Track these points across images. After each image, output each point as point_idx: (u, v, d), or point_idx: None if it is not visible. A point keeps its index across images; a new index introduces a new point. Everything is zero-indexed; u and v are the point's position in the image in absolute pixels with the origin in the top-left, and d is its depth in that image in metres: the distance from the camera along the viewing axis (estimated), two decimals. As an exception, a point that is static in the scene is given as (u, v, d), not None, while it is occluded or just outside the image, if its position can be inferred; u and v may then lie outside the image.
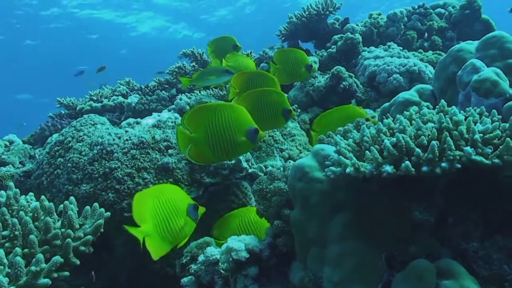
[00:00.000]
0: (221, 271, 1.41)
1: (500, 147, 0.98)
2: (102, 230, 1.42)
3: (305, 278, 1.18)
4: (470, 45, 1.39)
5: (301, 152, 2.48)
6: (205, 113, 1.44)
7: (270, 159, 2.31)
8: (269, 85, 2.18)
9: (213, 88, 3.71)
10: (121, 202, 1.76)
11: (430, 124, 1.06)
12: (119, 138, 1.93)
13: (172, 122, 2.05)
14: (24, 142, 3.99)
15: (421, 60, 3.14)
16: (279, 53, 2.57)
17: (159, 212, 1.28)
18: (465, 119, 1.04)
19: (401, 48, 3.24)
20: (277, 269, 1.39)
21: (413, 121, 1.10)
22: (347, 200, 1.14)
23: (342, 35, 3.46)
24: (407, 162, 0.96)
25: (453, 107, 1.18)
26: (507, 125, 1.04)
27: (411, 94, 1.49)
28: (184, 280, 1.46)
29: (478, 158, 0.95)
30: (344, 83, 2.85)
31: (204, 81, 2.81)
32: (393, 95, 2.42)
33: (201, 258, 1.44)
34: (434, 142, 0.96)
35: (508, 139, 0.97)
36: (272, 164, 2.20)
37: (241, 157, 1.92)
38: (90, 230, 1.37)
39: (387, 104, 1.58)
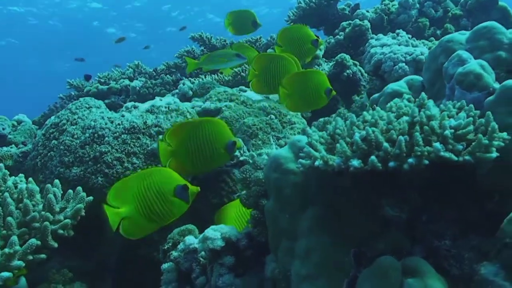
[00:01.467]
0: (200, 259, 1.42)
1: (473, 143, 0.94)
2: (83, 213, 1.43)
3: (276, 270, 1.17)
4: (461, 36, 1.33)
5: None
6: (186, 129, 1.55)
7: (266, 146, 2.29)
8: (291, 68, 2.13)
9: (219, 73, 3.69)
10: (109, 186, 1.77)
11: (404, 118, 1.02)
12: (112, 122, 1.94)
13: (165, 107, 2.04)
14: (35, 122, 4.05)
15: (430, 49, 3.05)
16: (282, 32, 2.52)
17: (142, 195, 1.31)
18: (441, 113, 1.00)
19: (410, 36, 3.16)
20: (255, 260, 1.38)
21: (384, 116, 1.07)
22: (318, 193, 1.12)
23: (351, 21, 3.39)
24: (373, 157, 0.93)
25: (430, 100, 1.14)
26: (483, 120, 1.00)
27: (400, 85, 1.45)
28: (164, 266, 1.47)
29: (447, 154, 0.91)
30: (348, 71, 2.80)
31: (213, 64, 2.79)
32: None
33: (181, 245, 1.44)
34: (401, 137, 0.92)
35: (480, 135, 0.93)
36: (268, 152, 2.19)
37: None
38: (69, 213, 1.38)
39: (376, 94, 1.54)
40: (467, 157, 0.93)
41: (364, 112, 1.12)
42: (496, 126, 0.94)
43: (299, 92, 2.02)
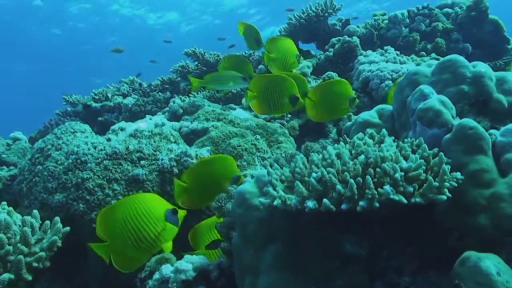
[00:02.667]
0: (174, 289, 1.44)
1: (424, 185, 0.96)
2: (59, 245, 1.46)
3: (242, 305, 1.19)
4: (427, 69, 1.35)
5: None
6: (198, 168, 1.69)
7: (251, 168, 2.31)
8: (289, 86, 2.12)
9: (211, 90, 3.72)
10: (90, 213, 1.80)
11: (360, 158, 1.04)
12: (95, 148, 1.97)
13: (149, 132, 2.07)
14: (31, 138, 4.10)
15: (418, 65, 3.06)
16: (272, 40, 2.56)
17: (129, 224, 1.27)
18: (395, 154, 1.02)
19: (398, 52, 3.18)
20: (227, 289, 1.40)
21: (344, 154, 1.09)
22: (280, 230, 1.14)
23: (341, 38, 3.41)
24: (325, 200, 0.95)
25: (389, 138, 1.16)
26: (437, 159, 1.01)
27: (370, 115, 1.47)
28: (140, 295, 1.49)
29: (397, 197, 0.93)
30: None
31: (219, 85, 2.77)
32: (386, 102, 2.38)
33: (156, 275, 1.46)
34: (351, 181, 0.94)
35: (430, 178, 0.95)
36: (252, 173, 2.21)
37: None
38: (45, 245, 1.41)
39: (349, 123, 1.55)
40: (418, 199, 0.95)
41: (324, 150, 1.14)
42: (447, 169, 0.96)
43: (324, 101, 2.10)
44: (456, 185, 0.98)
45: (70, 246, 1.80)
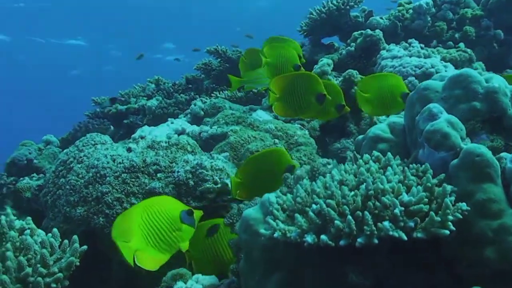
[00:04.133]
0: (186, 307, 1.46)
1: (426, 219, 0.93)
2: (77, 264, 1.51)
3: (248, 331, 1.20)
4: (438, 83, 1.29)
5: (305, 163, 2.44)
6: (252, 163, 1.69)
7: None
8: (313, 85, 2.02)
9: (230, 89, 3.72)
10: (109, 226, 1.84)
11: (362, 187, 1.02)
12: (114, 160, 2.01)
13: (166, 142, 2.09)
14: (63, 140, 4.23)
15: (444, 58, 2.95)
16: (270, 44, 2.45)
17: (148, 225, 1.31)
18: (397, 184, 0.99)
19: (423, 45, 3.06)
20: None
21: (347, 181, 1.06)
22: (284, 258, 1.13)
23: (363, 31, 3.32)
24: (323, 237, 0.94)
25: (395, 161, 1.13)
26: (440, 189, 0.98)
27: (382, 129, 1.42)
28: (156, 311, 1.52)
29: (396, 234, 0.91)
30: (356, 87, 2.75)
31: (259, 83, 2.73)
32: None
33: (170, 292, 1.49)
34: (349, 217, 0.93)
35: (432, 213, 0.92)
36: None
37: (227, 180, 1.94)
38: (64, 266, 1.46)
39: (360, 136, 1.52)
40: (419, 234, 0.92)
41: (327, 176, 1.12)
42: (450, 202, 0.93)
43: (376, 96, 2.01)
44: (461, 217, 0.94)
45: (94, 257, 1.87)
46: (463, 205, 0.95)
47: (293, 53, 2.17)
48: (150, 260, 1.30)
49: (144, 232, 1.30)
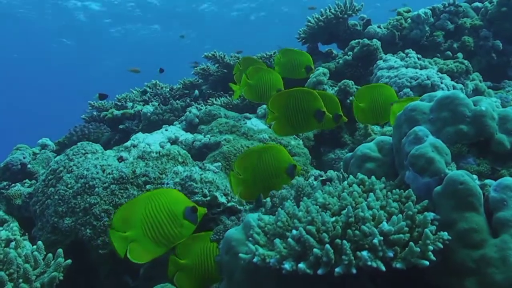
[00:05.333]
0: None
1: (406, 249, 0.91)
2: (61, 278, 1.49)
3: None
4: (426, 104, 1.28)
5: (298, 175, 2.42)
6: (250, 157, 1.61)
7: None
8: (313, 102, 2.00)
9: (227, 96, 3.71)
10: (96, 238, 1.83)
11: (343, 213, 1.00)
12: (103, 171, 2.00)
13: (156, 153, 2.08)
14: (59, 143, 4.21)
15: (440, 70, 2.93)
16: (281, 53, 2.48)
17: (150, 217, 1.31)
18: (378, 212, 0.97)
19: (420, 56, 3.04)
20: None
21: (330, 205, 1.05)
22: (266, 282, 1.11)
23: (360, 40, 3.30)
24: (301, 265, 0.92)
25: (376, 186, 1.11)
26: (422, 218, 0.96)
27: (370, 148, 1.41)
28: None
29: (375, 264, 0.89)
30: (351, 97, 2.74)
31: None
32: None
33: (153, 309, 1.47)
34: (327, 246, 0.91)
35: (411, 244, 0.90)
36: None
37: (217, 193, 1.92)
38: (46, 281, 1.45)
39: (349, 154, 1.50)
40: (398, 265, 0.91)
41: (310, 199, 1.10)
42: (430, 232, 0.91)
43: (370, 105, 2.06)
44: (442, 246, 0.93)
45: (81, 266, 1.85)
46: (445, 234, 0.94)
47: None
48: (142, 252, 1.31)
49: (144, 224, 1.31)
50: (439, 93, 1.32)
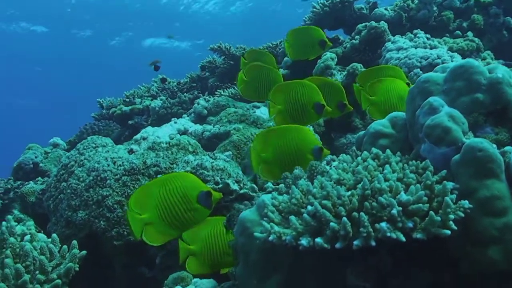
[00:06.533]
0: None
1: (426, 219, 0.89)
2: (77, 269, 1.49)
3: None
4: (439, 75, 1.24)
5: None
6: (272, 135, 1.56)
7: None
8: (313, 94, 1.98)
9: (234, 87, 3.68)
10: (111, 230, 1.83)
11: (359, 187, 0.97)
12: (114, 163, 1.99)
13: (166, 143, 2.07)
14: (70, 142, 4.24)
15: (451, 48, 2.87)
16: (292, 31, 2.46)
17: (164, 200, 1.33)
18: (395, 183, 0.95)
19: (429, 35, 2.99)
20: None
21: (344, 180, 1.02)
22: (283, 260, 1.10)
23: (367, 23, 3.25)
24: (318, 239, 0.90)
25: (392, 159, 1.08)
26: (441, 187, 0.93)
27: (383, 124, 1.37)
28: (157, 315, 1.50)
29: (394, 235, 0.86)
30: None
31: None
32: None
33: (169, 296, 1.47)
34: (345, 219, 0.88)
35: (431, 213, 0.87)
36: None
37: (229, 180, 1.90)
38: (62, 272, 1.45)
39: (362, 132, 1.47)
40: (419, 235, 0.88)
41: (325, 176, 1.08)
42: (451, 200, 0.88)
43: (383, 99, 1.91)
44: (463, 215, 0.90)
45: (96, 259, 1.85)
46: (465, 203, 0.91)
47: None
48: (157, 235, 1.33)
49: (159, 206, 1.33)
50: (452, 64, 1.29)
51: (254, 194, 1.98)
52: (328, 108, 1.84)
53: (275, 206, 1.07)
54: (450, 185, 0.93)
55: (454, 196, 0.91)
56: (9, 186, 2.99)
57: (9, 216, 1.76)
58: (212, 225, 1.50)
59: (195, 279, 1.41)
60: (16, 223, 1.71)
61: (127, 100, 4.07)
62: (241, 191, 1.96)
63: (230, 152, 2.32)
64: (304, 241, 0.93)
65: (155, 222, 1.33)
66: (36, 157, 3.37)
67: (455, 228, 0.88)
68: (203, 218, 1.38)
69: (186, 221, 1.34)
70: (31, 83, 18.64)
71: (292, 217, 0.97)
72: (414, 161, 1.05)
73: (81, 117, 5.14)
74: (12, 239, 1.58)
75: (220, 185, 1.89)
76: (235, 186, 1.93)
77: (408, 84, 2.03)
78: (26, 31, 15.54)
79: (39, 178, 2.89)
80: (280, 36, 4.23)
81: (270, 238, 0.99)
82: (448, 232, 0.87)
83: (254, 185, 2.03)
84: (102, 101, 4.50)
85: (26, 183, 2.79)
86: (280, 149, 1.54)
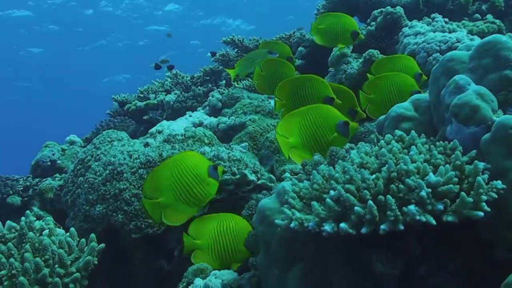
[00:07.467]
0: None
1: (457, 201, 0.84)
2: (96, 262, 1.48)
3: (271, 326, 1.14)
4: (464, 53, 1.18)
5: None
6: (295, 118, 1.52)
7: (290, 162, 2.22)
8: (321, 89, 1.94)
9: (249, 79, 3.64)
10: (129, 223, 1.81)
11: (383, 171, 0.93)
12: (130, 156, 1.98)
13: (181, 136, 2.04)
14: (87, 139, 4.25)
15: (470, 32, 2.78)
16: (323, 15, 2.41)
17: (178, 181, 1.39)
18: (422, 164, 0.90)
19: (447, 19, 2.90)
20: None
21: (368, 164, 0.98)
22: (305, 248, 1.06)
23: (383, 9, 3.18)
24: (342, 225, 0.86)
25: (418, 141, 1.03)
26: (472, 167, 0.88)
27: (405, 107, 1.32)
28: (178, 308, 1.48)
29: (424, 218, 0.82)
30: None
31: (248, 68, 2.71)
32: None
33: (189, 289, 1.44)
34: (370, 202, 0.84)
35: (463, 194, 0.82)
36: (291, 168, 2.13)
37: (246, 170, 1.87)
38: (81, 265, 1.43)
39: (382, 117, 1.42)
40: (450, 218, 0.84)
41: (347, 160, 1.04)
42: (483, 180, 0.83)
43: (383, 97, 1.86)
44: (496, 196, 0.85)
45: (115, 252, 1.84)
46: (499, 183, 0.86)
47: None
48: (176, 215, 1.41)
49: (173, 187, 1.39)
50: (478, 41, 1.23)
51: (272, 184, 1.95)
52: (338, 101, 1.78)
53: (296, 192, 1.03)
54: (481, 165, 0.88)
55: (486, 176, 0.86)
56: (28, 184, 3.01)
57: (28, 212, 1.76)
58: (219, 221, 1.53)
59: (215, 271, 1.38)
60: (35, 219, 1.70)
61: (142, 95, 4.06)
62: (259, 182, 1.92)
63: (246, 143, 2.29)
64: (327, 227, 0.89)
65: (171, 203, 1.39)
66: (53, 155, 3.38)
67: (488, 209, 0.83)
68: (214, 191, 1.45)
69: (202, 196, 1.41)
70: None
71: (314, 203, 0.93)
72: (441, 142, 0.99)
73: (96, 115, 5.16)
74: (31, 234, 1.58)
75: (238, 176, 1.86)
76: (252, 177, 1.89)
77: (420, 74, 1.96)
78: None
79: (57, 174, 2.89)
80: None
81: (292, 225, 0.95)
82: (481, 214, 0.82)
83: (271, 176, 1.99)
84: (117, 97, 4.51)
85: (44, 179, 2.80)
86: (305, 130, 1.49)
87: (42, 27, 15.83)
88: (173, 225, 1.43)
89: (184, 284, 1.56)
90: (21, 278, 1.33)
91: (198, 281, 1.43)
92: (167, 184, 1.38)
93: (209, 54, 4.23)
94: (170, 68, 4.52)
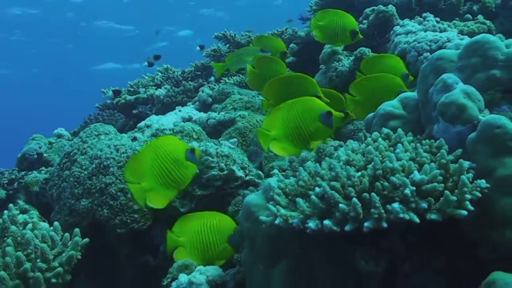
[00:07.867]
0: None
1: (441, 200, 0.84)
2: (79, 257, 1.46)
3: (254, 323, 1.13)
4: (453, 52, 1.18)
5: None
6: (280, 112, 1.50)
7: (279, 158, 2.22)
8: (308, 87, 1.92)
9: (240, 75, 3.63)
10: (114, 218, 1.79)
11: (368, 168, 0.92)
12: (117, 150, 1.96)
13: (170, 130, 2.03)
14: (75, 133, 4.21)
15: (461, 32, 2.79)
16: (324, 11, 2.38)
17: (158, 166, 1.42)
18: (407, 162, 0.90)
19: (438, 19, 2.91)
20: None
21: (354, 161, 0.97)
22: (290, 245, 1.05)
23: (375, 7, 3.18)
24: (326, 222, 0.86)
25: (404, 139, 1.03)
26: (457, 166, 0.88)
27: (393, 105, 1.32)
28: (161, 304, 1.47)
29: (407, 216, 0.82)
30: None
31: (240, 63, 2.70)
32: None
33: (173, 285, 1.43)
34: (355, 199, 0.84)
35: (447, 192, 0.82)
36: (279, 165, 2.12)
37: (234, 166, 1.86)
38: (64, 260, 1.42)
39: (371, 114, 1.42)
40: (433, 216, 0.83)
41: (332, 157, 1.03)
42: (467, 179, 0.83)
43: (369, 98, 1.81)
44: (480, 195, 0.85)
45: (100, 247, 1.82)
46: (483, 182, 0.86)
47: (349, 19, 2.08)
48: (159, 198, 1.42)
49: (154, 172, 1.42)
50: (466, 40, 1.23)
51: (260, 180, 1.94)
52: (325, 99, 1.76)
53: (282, 189, 1.03)
54: (466, 164, 0.88)
55: (470, 175, 0.86)
56: (13, 177, 2.97)
57: (11, 205, 1.74)
58: (203, 219, 1.54)
59: (200, 267, 1.37)
60: (18, 212, 1.68)
61: (131, 89, 4.02)
62: (247, 178, 1.91)
63: (235, 139, 2.28)
64: (311, 224, 0.88)
65: (154, 187, 1.42)
66: (40, 148, 3.34)
67: (472, 208, 0.83)
68: (193, 173, 1.47)
69: (181, 180, 1.44)
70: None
71: (299, 199, 0.92)
72: (427, 141, 0.99)
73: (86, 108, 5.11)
74: (13, 228, 1.56)
75: (225, 172, 1.85)
76: (240, 173, 1.88)
77: (407, 75, 1.95)
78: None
79: (43, 167, 2.86)
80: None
81: (277, 221, 0.95)
82: (465, 212, 0.82)
83: (260, 172, 1.98)
84: (106, 91, 4.47)
85: (30, 173, 2.76)
86: (288, 122, 1.47)
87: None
88: (157, 207, 1.44)
89: (169, 280, 1.55)
90: (1, 273, 1.31)
91: (183, 277, 1.42)
92: (147, 169, 1.42)
93: (198, 47, 4.20)
94: (157, 57, 4.48)
